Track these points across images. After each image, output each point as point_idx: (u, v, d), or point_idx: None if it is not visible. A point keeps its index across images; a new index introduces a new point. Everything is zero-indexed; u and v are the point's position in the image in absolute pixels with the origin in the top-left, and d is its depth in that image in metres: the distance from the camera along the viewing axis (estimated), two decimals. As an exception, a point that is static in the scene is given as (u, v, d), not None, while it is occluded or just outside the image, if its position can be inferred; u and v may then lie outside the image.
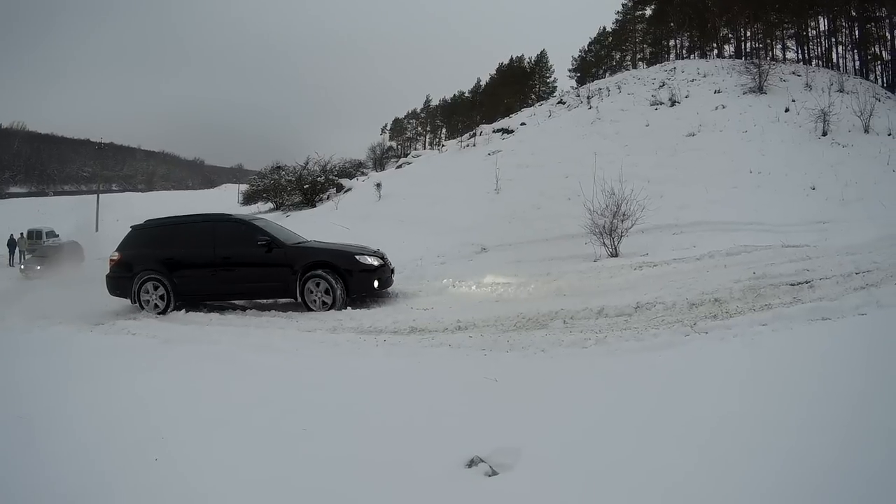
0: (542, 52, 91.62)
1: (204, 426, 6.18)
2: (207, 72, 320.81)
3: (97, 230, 47.40)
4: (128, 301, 14.61)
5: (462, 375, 7.51)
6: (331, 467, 5.18)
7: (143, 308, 14.23)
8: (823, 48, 59.51)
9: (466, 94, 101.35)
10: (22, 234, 42.28)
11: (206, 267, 14.30)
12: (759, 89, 37.27)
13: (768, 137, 28.87)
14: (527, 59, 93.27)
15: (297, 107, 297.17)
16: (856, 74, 49.53)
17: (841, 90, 34.99)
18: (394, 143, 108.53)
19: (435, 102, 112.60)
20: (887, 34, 52.48)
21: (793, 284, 10.84)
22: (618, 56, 79.17)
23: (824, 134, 28.54)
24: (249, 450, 5.58)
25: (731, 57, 58.06)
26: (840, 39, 57.66)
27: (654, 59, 69.09)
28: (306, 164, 44.39)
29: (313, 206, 38.95)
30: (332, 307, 13.43)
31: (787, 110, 32.28)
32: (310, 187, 41.49)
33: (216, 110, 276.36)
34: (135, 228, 15.33)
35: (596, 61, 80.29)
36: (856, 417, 4.81)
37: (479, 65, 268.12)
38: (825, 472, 4.23)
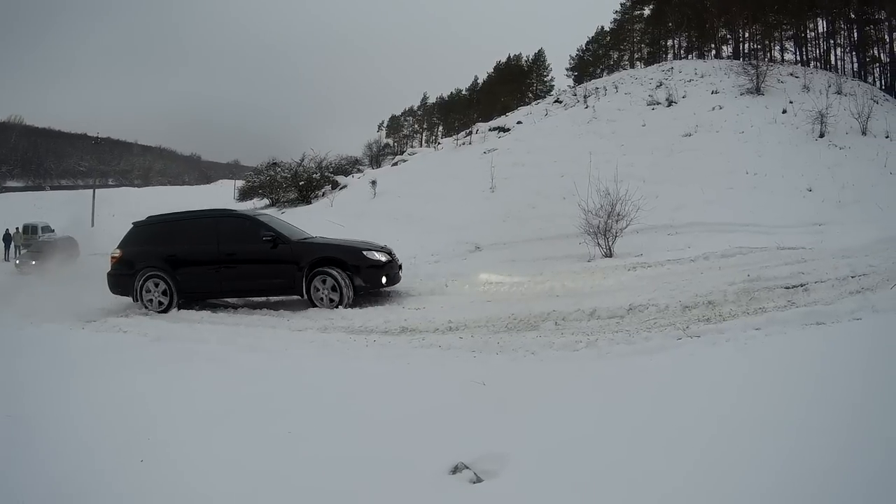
0: (539, 51, 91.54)
1: (189, 428, 6.04)
2: (205, 67, 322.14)
3: (93, 225, 47.42)
4: (122, 299, 14.55)
5: (450, 379, 7.40)
6: (312, 471, 5.06)
7: (145, 306, 14.02)
8: (822, 50, 59.65)
9: (464, 92, 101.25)
10: (17, 228, 42.26)
11: (210, 264, 14.09)
12: (757, 90, 37.34)
13: (765, 138, 28.89)
14: (524, 58, 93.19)
15: (294, 103, 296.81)
16: (854, 76, 49.57)
17: (839, 92, 35.05)
18: (390, 141, 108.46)
19: (432, 100, 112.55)
20: (886, 37, 52.55)
21: (787, 287, 10.75)
22: (615, 56, 79.17)
23: (821, 136, 28.59)
24: (233, 454, 5.44)
25: (729, 58, 58.07)
26: (839, 41, 57.76)
27: (651, 59, 69.12)
28: (302, 160, 44.37)
29: (309, 202, 38.88)
30: (339, 305, 13.22)
31: (784, 112, 32.31)
32: (305, 184, 41.39)
33: (213, 106, 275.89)
34: (136, 225, 15.17)
35: (594, 61, 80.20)
36: (850, 427, 4.67)
37: (476, 63, 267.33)
38: (820, 481, 4.11)
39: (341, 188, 38.79)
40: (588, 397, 6.18)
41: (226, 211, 15.51)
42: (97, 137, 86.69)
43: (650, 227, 19.13)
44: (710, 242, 16.66)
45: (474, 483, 4.75)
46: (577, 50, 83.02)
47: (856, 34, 55.35)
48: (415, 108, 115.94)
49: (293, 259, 13.73)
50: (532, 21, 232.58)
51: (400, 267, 14.78)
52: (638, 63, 71.87)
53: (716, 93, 38.42)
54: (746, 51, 61.46)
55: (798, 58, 59.00)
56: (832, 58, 57.82)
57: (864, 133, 28.57)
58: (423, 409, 6.20)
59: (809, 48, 60.60)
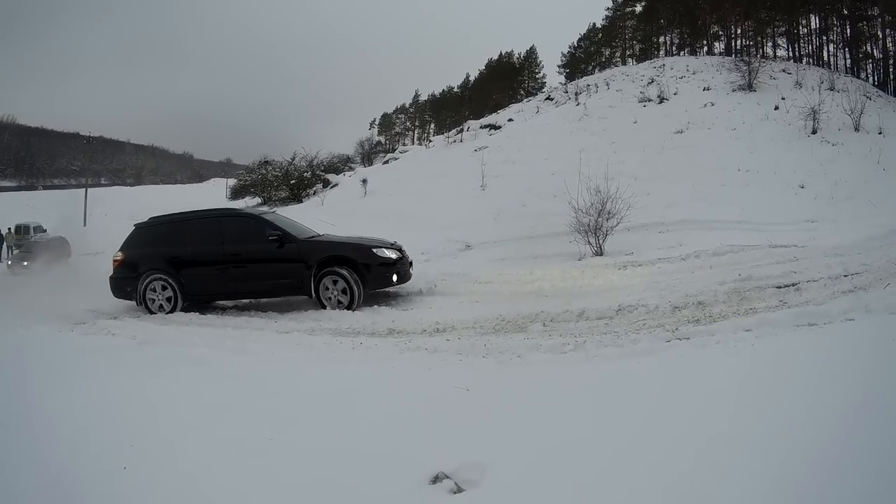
0: (531, 48, 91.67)
1: (170, 435, 5.93)
2: (197, 65, 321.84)
3: (85, 225, 47.22)
4: (111, 300, 14.38)
5: (434, 383, 7.24)
6: (292, 480, 4.97)
7: (149, 310, 13.75)
8: (814, 46, 59.62)
9: (455, 90, 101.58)
10: (10, 228, 41.97)
11: (215, 265, 13.80)
12: (749, 87, 37.30)
13: (757, 135, 28.89)
14: (516, 55, 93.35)
15: (287, 101, 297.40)
16: (847, 73, 49.54)
17: (831, 88, 34.99)
18: (382, 139, 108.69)
19: (424, 97, 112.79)
20: (879, 33, 52.50)
21: (779, 287, 10.64)
22: (607, 53, 79.17)
23: (814, 132, 28.51)
24: (214, 462, 5.35)
25: (721, 54, 57.94)
26: (831, 38, 57.81)
27: (643, 56, 69.17)
28: (293, 159, 44.26)
29: (300, 201, 38.75)
30: (349, 304, 12.94)
31: (776, 108, 32.23)
32: (296, 182, 41.34)
33: (206, 104, 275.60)
34: (138, 227, 14.86)
35: (585, 57, 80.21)
36: (843, 437, 4.51)
37: (468, 60, 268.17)
38: (811, 496, 3.98)
39: (332, 187, 38.74)
40: (573, 404, 6.04)
41: (230, 210, 15.33)
42: (89, 136, 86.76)
43: (641, 225, 19.08)
44: (701, 240, 16.53)
45: (454, 493, 4.66)
46: (569, 47, 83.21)
47: (848, 30, 55.38)
48: (407, 105, 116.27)
49: (301, 258, 13.39)
50: (524, 18, 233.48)
51: (411, 264, 14.53)
52: (630, 60, 71.82)
53: (708, 89, 38.40)
54: (739, 47, 61.48)
55: (790, 54, 59.02)
56: (825, 54, 57.92)
57: (856, 129, 28.54)
58: (406, 415, 6.09)
59: (802, 44, 60.65)
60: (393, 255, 13.67)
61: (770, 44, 61.52)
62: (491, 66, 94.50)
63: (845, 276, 10.79)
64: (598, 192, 17.62)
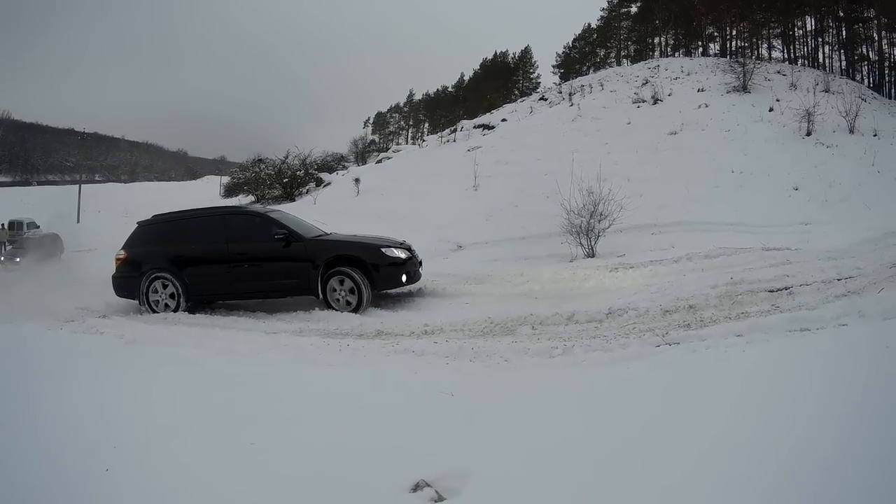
0: (526, 48, 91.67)
1: (154, 437, 5.77)
2: (193, 63, 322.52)
3: (78, 221, 47.11)
4: (102, 298, 14.25)
5: (419, 387, 7.14)
6: (270, 487, 4.83)
7: (152, 309, 13.60)
8: (810, 48, 59.58)
9: (450, 89, 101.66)
10: (3, 224, 41.79)
11: (219, 264, 13.58)
12: (744, 88, 37.27)
13: (751, 137, 28.76)
14: (511, 55, 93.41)
15: (283, 99, 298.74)
16: (842, 75, 49.54)
17: (826, 90, 34.90)
18: (376, 137, 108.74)
19: (418, 97, 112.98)
20: (874, 35, 52.48)
21: (771, 291, 10.56)
22: (602, 53, 79.15)
23: (808, 134, 28.38)
24: (194, 465, 5.19)
25: (716, 55, 58.04)
26: (827, 39, 57.72)
27: (638, 57, 69.19)
28: (286, 157, 44.16)
29: (292, 199, 38.67)
30: (357, 306, 12.71)
31: (771, 110, 32.18)
32: (289, 181, 41.32)
33: (201, 101, 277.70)
34: (141, 224, 14.67)
35: (580, 58, 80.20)
36: (835, 451, 4.39)
37: (463, 59, 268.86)
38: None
39: (325, 185, 38.82)
40: (558, 410, 5.93)
41: (235, 208, 15.19)
42: (84, 133, 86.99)
43: (634, 227, 18.95)
44: (694, 242, 16.47)
45: (435, 502, 4.54)
46: (564, 47, 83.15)
47: (844, 32, 55.34)
48: (401, 104, 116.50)
49: (307, 257, 13.18)
50: (519, 18, 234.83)
51: (420, 263, 14.26)
52: (625, 61, 71.92)
53: (702, 91, 38.36)
54: (734, 49, 61.49)
55: (786, 56, 59.01)
56: (820, 56, 57.90)
57: (851, 131, 28.44)
58: (388, 420, 5.98)
59: (797, 46, 60.60)
60: (402, 254, 13.46)
61: (765, 45, 61.54)
62: (486, 65, 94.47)
63: (839, 279, 10.69)
64: (590, 194, 17.52)
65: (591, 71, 69.85)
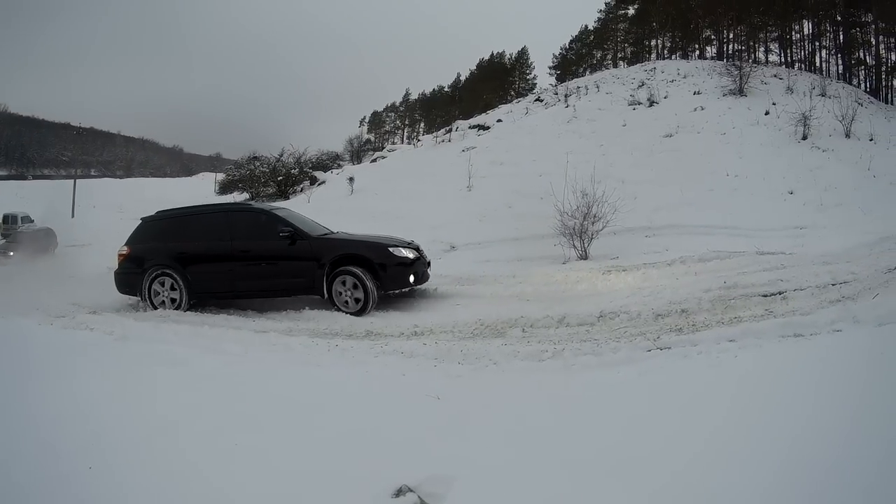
0: (523, 49, 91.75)
1: (137, 436, 5.66)
2: (190, 59, 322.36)
3: (73, 216, 47.02)
4: (93, 293, 14.22)
5: (406, 390, 7.09)
6: (249, 488, 4.75)
7: (154, 306, 13.38)
8: (807, 52, 59.68)
9: (446, 89, 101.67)
10: (-2, 218, 41.70)
11: (223, 262, 13.35)
12: (740, 91, 37.33)
13: (747, 140, 28.80)
14: (508, 55, 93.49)
15: (279, 96, 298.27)
16: (839, 79, 49.73)
17: (823, 94, 35.08)
18: (372, 136, 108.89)
19: (414, 96, 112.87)
20: (872, 39, 52.54)
21: (765, 295, 10.49)
22: (599, 55, 79.25)
23: (804, 138, 28.41)
24: (176, 465, 5.09)
25: (712, 58, 58.07)
26: (824, 43, 57.80)
27: (635, 59, 69.48)
28: (281, 155, 44.25)
29: (286, 198, 38.60)
30: (363, 307, 12.44)
31: (767, 113, 32.23)
32: (283, 179, 41.28)
33: (198, 98, 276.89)
34: (145, 220, 14.51)
35: (577, 59, 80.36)
36: (828, 458, 4.29)
37: (460, 59, 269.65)
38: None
39: (319, 184, 38.91)
40: (545, 416, 5.85)
41: (240, 205, 15.03)
42: (80, 128, 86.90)
43: (628, 229, 18.88)
44: (688, 245, 16.42)
45: (418, 508, 4.40)
46: (561, 48, 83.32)
47: (842, 36, 55.39)
48: (397, 104, 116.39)
49: (313, 256, 12.91)
50: (517, 19, 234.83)
51: (428, 264, 14.05)
52: (621, 63, 72.18)
53: (698, 93, 38.47)
54: (731, 52, 61.55)
55: (783, 59, 59.10)
56: (817, 60, 58.01)
57: (847, 135, 28.52)
58: (373, 423, 5.89)
59: (794, 50, 60.71)
60: (410, 254, 13.20)
61: (762, 49, 61.71)
62: (482, 66, 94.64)
63: (833, 284, 10.66)
64: (584, 195, 17.45)
65: (587, 72, 70.08)
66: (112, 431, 5.70)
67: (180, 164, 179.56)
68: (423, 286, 13.90)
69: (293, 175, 41.73)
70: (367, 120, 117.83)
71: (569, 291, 12.83)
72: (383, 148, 62.71)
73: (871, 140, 27.93)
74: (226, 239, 13.38)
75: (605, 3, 77.89)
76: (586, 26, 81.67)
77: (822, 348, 7.20)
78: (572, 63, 79.60)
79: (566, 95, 44.74)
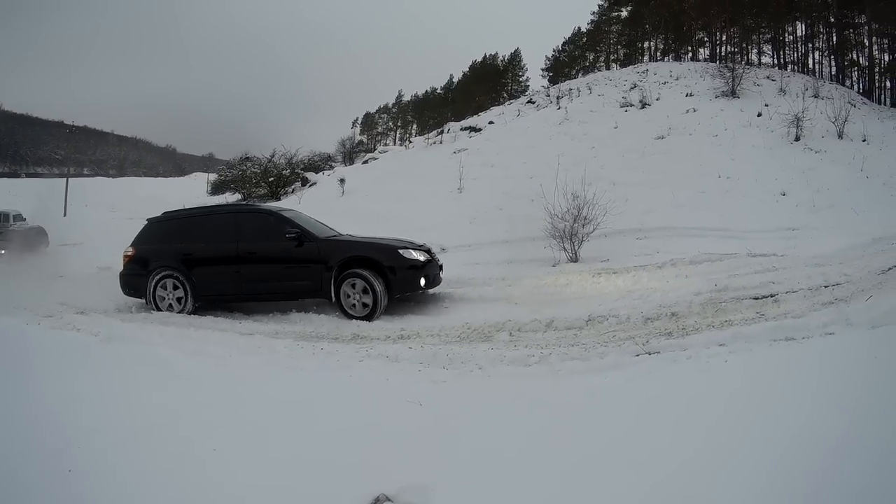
0: (516, 51, 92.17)
1: (116, 439, 5.57)
2: (184, 59, 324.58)
3: (65, 215, 46.87)
4: (82, 294, 14.08)
5: (388, 395, 6.92)
6: (225, 495, 4.66)
7: (158, 308, 13.23)
8: (800, 53, 59.79)
9: (439, 91, 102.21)
10: (-12, 215, 41.54)
11: (229, 264, 13.16)
12: (732, 93, 37.43)
13: (739, 142, 28.87)
14: (501, 58, 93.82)
15: (272, 97, 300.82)
16: (832, 80, 49.79)
17: (816, 95, 35.14)
18: (364, 138, 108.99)
19: (407, 98, 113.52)
20: (865, 40, 52.61)
21: (756, 298, 10.41)
22: (591, 57, 79.49)
23: (797, 139, 28.43)
24: (156, 470, 5.01)
25: (705, 60, 58.20)
26: (817, 45, 57.88)
27: (627, 61, 69.69)
28: (272, 156, 44.24)
29: (278, 199, 38.78)
30: (372, 311, 12.15)
31: (759, 115, 32.25)
32: (275, 180, 41.27)
33: (191, 97, 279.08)
34: (151, 221, 14.35)
35: (569, 61, 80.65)
36: (819, 469, 4.17)
37: (453, 61, 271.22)
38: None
39: (311, 185, 39.03)
40: (528, 423, 5.72)
41: (246, 206, 14.86)
42: (73, 126, 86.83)
43: (619, 231, 18.87)
44: (679, 247, 16.40)
45: (395, 518, 4.28)
46: (554, 50, 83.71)
47: (835, 38, 55.46)
48: (390, 105, 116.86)
49: (320, 258, 12.67)
50: (510, 21, 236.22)
51: (441, 267, 13.72)
52: (614, 65, 72.53)
53: (690, 95, 38.61)
54: (724, 54, 61.64)
55: (775, 61, 59.25)
56: (810, 61, 58.09)
57: (840, 137, 28.54)
58: (352, 430, 5.75)
59: (787, 52, 60.82)
60: (421, 257, 12.88)
61: (755, 50, 61.82)
62: (475, 67, 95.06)
63: (826, 286, 10.55)
64: (574, 198, 17.41)
65: (580, 74, 70.31)
66: (89, 435, 5.59)
67: (173, 163, 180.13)
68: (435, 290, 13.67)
69: (284, 176, 41.80)
70: (359, 121, 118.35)
71: (558, 294, 12.76)
72: (375, 149, 62.82)
73: (864, 141, 27.94)
74: (231, 240, 13.21)
75: (598, 6, 78.31)
76: (579, 28, 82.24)
77: (813, 352, 7.08)
78: (565, 65, 79.89)
79: (558, 97, 44.93)
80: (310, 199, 32.27)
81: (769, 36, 61.36)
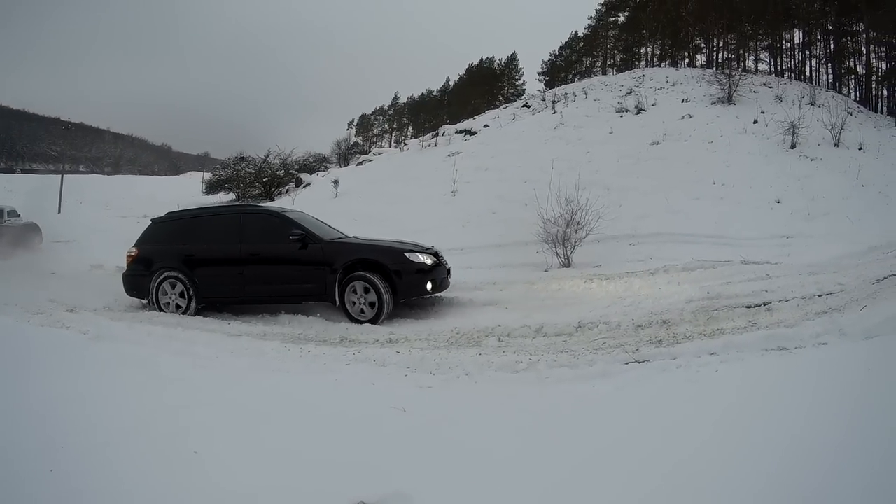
0: (512, 55, 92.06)
1: (98, 440, 5.50)
2: (181, 57, 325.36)
3: (59, 212, 46.76)
4: (73, 291, 14.09)
5: (373, 400, 6.90)
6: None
7: (161, 309, 13.14)
8: (797, 61, 59.73)
9: (435, 93, 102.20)
10: (-18, 212, 41.40)
11: (232, 265, 13.06)
12: (728, 100, 37.30)
13: (734, 148, 28.73)
14: (497, 61, 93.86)
15: (269, 97, 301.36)
16: (829, 88, 49.79)
17: (812, 103, 34.96)
18: (360, 139, 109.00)
19: (403, 100, 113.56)
20: (863, 48, 52.57)
21: (749, 306, 10.34)
22: (588, 62, 79.40)
23: (793, 146, 28.29)
24: (137, 472, 4.97)
25: (702, 67, 58.19)
26: (814, 52, 57.85)
27: (624, 66, 69.61)
28: (267, 156, 44.28)
29: (272, 199, 38.82)
30: (377, 315, 12.02)
31: (755, 122, 32.07)
32: (269, 180, 41.23)
33: (188, 96, 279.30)
34: (155, 221, 14.33)
35: (566, 66, 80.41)
36: (810, 487, 4.08)
37: (450, 64, 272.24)
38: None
39: (305, 186, 38.96)
40: (512, 432, 5.68)
41: (250, 206, 14.73)
42: (68, 123, 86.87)
43: (612, 237, 18.82)
44: (673, 254, 16.38)
45: (373, 528, 4.22)
46: (550, 55, 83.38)
47: (832, 45, 55.43)
48: (385, 107, 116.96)
49: (325, 261, 12.55)
50: (507, 25, 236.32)
51: (449, 271, 13.50)
52: (610, 70, 72.29)
53: (686, 101, 38.51)
54: (720, 60, 61.64)
55: (772, 68, 59.19)
56: (807, 69, 58.04)
57: (836, 144, 28.43)
58: (333, 436, 5.72)
59: (784, 59, 60.79)
60: (428, 260, 12.70)
61: (752, 57, 61.76)
62: (471, 70, 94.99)
63: (819, 295, 10.50)
64: (568, 202, 17.38)
65: (576, 79, 70.21)
66: (71, 435, 5.54)
67: (168, 162, 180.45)
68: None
69: (278, 176, 41.80)
70: (354, 123, 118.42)
71: (549, 300, 12.69)
72: (370, 151, 62.79)
73: (860, 149, 27.86)
74: (235, 242, 13.09)
75: (596, 10, 78.11)
76: (576, 33, 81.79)
77: (805, 363, 7.05)
78: (561, 69, 79.74)
79: (554, 102, 44.80)
80: (303, 200, 32.14)
81: (766, 43, 61.34)
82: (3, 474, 4.74)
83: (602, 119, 36.84)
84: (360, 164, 46.36)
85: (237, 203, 28.25)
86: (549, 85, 71.36)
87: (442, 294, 13.45)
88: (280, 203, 33.75)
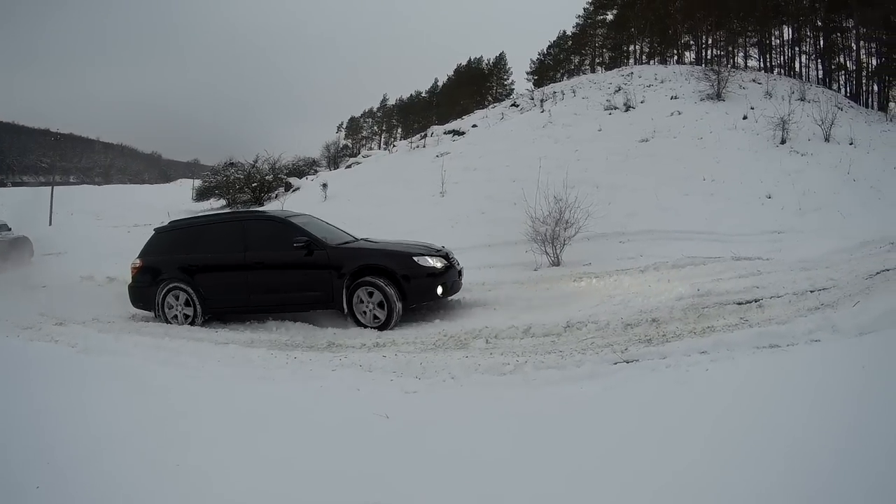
0: (501, 54, 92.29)
1: (84, 453, 5.53)
2: (169, 64, 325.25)
3: (50, 224, 46.65)
4: (63, 305, 13.93)
5: (357, 407, 6.83)
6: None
7: (168, 321, 13.03)
8: (786, 57, 59.76)
9: (423, 95, 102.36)
10: (-27, 227, 41.25)
11: (236, 274, 12.86)
12: (718, 96, 37.30)
13: (724, 145, 28.75)
14: (486, 61, 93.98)
15: (257, 102, 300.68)
16: (819, 83, 49.80)
17: (802, 99, 34.94)
18: (349, 142, 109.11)
19: (392, 102, 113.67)
20: (853, 44, 52.59)
21: (740, 303, 10.21)
22: (577, 60, 79.51)
23: (783, 142, 28.26)
24: (125, 482, 5.01)
25: (691, 64, 58.17)
26: (804, 48, 57.87)
27: (613, 64, 69.66)
28: (255, 161, 44.35)
29: (261, 204, 38.83)
30: (386, 322, 11.73)
31: (745, 118, 32.05)
32: (258, 185, 41.36)
33: (175, 102, 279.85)
34: (158, 231, 14.16)
35: (554, 65, 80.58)
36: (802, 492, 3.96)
37: (438, 65, 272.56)
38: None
39: (294, 190, 39.06)
40: (496, 438, 5.62)
41: (255, 213, 14.56)
42: (58, 134, 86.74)
43: (601, 235, 18.78)
44: (663, 251, 16.30)
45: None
46: (539, 54, 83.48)
47: (822, 41, 55.47)
48: (374, 109, 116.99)
49: (331, 267, 12.28)
50: (495, 25, 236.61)
51: (460, 273, 13.34)
52: (599, 68, 72.41)
53: (675, 98, 38.50)
54: (709, 57, 61.67)
55: (762, 64, 59.25)
56: (797, 65, 58.07)
57: (827, 140, 28.42)
58: (314, 446, 5.68)
59: (774, 55, 60.81)
60: (438, 263, 12.42)
61: (741, 54, 61.81)
62: (460, 71, 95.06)
63: (811, 291, 10.35)
64: (557, 201, 17.31)
65: (565, 78, 70.28)
66: (58, 449, 5.58)
67: (158, 170, 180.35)
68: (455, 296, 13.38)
69: (267, 181, 41.92)
70: (344, 125, 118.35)
71: (538, 299, 12.65)
72: (359, 154, 62.80)
73: (851, 144, 27.83)
74: (239, 250, 12.91)
75: (584, 9, 78.19)
76: (565, 32, 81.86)
77: (798, 361, 6.95)
78: (550, 68, 79.85)
79: (542, 100, 44.88)
80: (292, 205, 31.97)
81: (755, 39, 61.39)
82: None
83: (591, 117, 36.86)
84: (349, 166, 46.44)
85: (242, 210, 28.05)
86: (538, 84, 71.45)
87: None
88: (270, 208, 33.70)
